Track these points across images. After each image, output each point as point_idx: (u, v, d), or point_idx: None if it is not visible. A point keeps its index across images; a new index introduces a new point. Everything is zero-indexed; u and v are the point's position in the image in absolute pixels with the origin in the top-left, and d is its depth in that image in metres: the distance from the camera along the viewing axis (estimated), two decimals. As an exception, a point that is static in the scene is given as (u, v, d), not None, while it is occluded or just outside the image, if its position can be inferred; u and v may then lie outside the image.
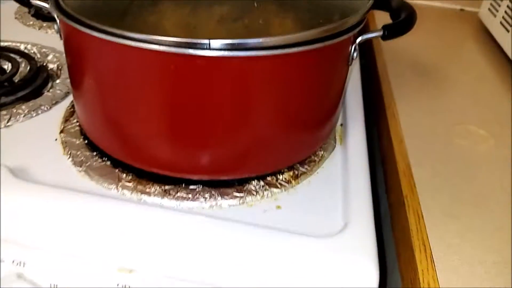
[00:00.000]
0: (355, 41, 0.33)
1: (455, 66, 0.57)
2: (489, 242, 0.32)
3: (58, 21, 0.34)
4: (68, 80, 0.48)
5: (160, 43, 0.27)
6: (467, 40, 0.64)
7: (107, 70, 0.31)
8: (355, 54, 0.34)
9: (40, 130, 0.40)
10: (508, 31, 0.56)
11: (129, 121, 0.33)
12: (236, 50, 0.27)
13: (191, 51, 0.27)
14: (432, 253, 0.30)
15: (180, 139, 0.32)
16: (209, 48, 0.27)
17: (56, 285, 0.31)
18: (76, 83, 0.36)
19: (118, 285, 0.30)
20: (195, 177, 0.34)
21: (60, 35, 0.35)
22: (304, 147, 0.37)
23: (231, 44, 0.27)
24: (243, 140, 0.32)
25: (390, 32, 0.33)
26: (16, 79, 0.47)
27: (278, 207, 0.34)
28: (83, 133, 0.39)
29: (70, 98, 0.46)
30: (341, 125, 0.44)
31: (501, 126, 0.45)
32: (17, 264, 0.31)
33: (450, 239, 0.32)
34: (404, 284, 0.32)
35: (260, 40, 0.27)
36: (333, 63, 0.33)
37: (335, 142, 0.42)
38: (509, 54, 0.56)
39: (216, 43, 0.27)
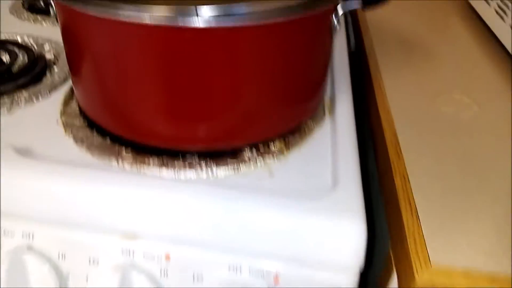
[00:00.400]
0: (336, 11, 0.35)
1: (440, 39, 0.58)
2: (472, 200, 0.34)
3: (53, 4, 0.36)
4: (66, 68, 0.50)
5: (149, 11, 0.29)
6: (451, 15, 0.66)
7: (102, 48, 0.33)
8: (337, 25, 0.36)
9: (41, 114, 0.42)
10: (489, 4, 0.58)
11: (125, 97, 0.34)
12: (222, 16, 0.29)
13: (180, 19, 0.28)
14: (418, 211, 0.32)
15: (174, 111, 0.34)
16: (197, 15, 0.28)
17: (64, 254, 0.33)
18: (73, 64, 0.38)
19: (122, 250, 0.32)
20: (190, 148, 0.36)
21: (57, 19, 0.37)
22: (294, 116, 0.38)
23: (217, 9, 0.28)
24: (234, 110, 0.34)
25: (368, 2, 0.35)
26: (15, 68, 0.49)
27: (271, 174, 0.36)
28: (82, 114, 0.41)
29: (69, 83, 0.47)
30: (330, 98, 0.46)
31: (484, 94, 0.47)
32: (26, 236, 0.33)
33: (434, 198, 0.33)
34: (393, 239, 0.34)
35: (244, 5, 0.29)
36: (316, 33, 0.34)
37: (324, 114, 0.43)
38: (491, 26, 0.57)
39: (203, 9, 0.28)
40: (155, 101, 0.33)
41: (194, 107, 0.33)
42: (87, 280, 0.33)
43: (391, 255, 0.34)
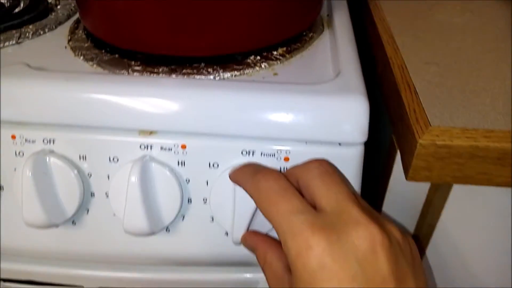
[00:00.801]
0: None
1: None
2: (466, 78, 0.35)
3: None
4: (68, 7, 0.51)
5: None
6: None
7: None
8: None
9: (49, 43, 0.43)
10: None
11: (132, 10, 0.36)
12: None
13: None
14: (416, 89, 0.34)
15: (179, 17, 0.35)
16: None
17: (85, 156, 0.35)
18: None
19: (141, 146, 0.34)
20: (197, 55, 0.38)
21: None
22: (294, 23, 0.40)
23: None
24: (237, 15, 0.36)
25: None
26: (16, 11, 0.50)
27: (275, 74, 0.37)
28: (90, 38, 0.43)
29: (73, 19, 0.49)
30: (328, 15, 0.47)
31: (478, 2, 0.49)
32: (47, 142, 0.35)
33: (431, 78, 0.35)
34: (393, 120, 0.36)
35: None
36: None
37: (323, 28, 0.45)
38: None
39: None
40: (160, 10, 0.35)
41: (199, 13, 0.35)
42: (108, 178, 0.35)
43: (394, 138, 0.36)
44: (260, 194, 0.27)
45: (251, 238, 0.31)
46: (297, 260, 0.23)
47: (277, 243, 0.30)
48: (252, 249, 0.31)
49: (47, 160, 0.35)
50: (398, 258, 0.23)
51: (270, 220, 0.26)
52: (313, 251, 0.23)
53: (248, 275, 0.38)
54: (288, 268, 0.27)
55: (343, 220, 0.24)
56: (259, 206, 0.28)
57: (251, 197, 0.29)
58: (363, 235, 0.23)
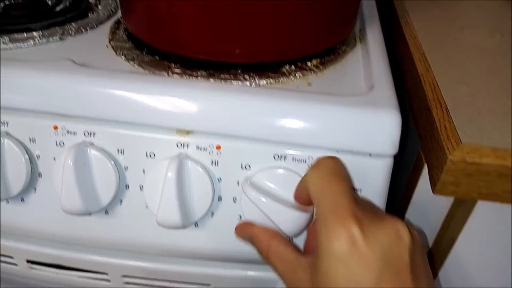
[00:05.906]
0: None
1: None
2: (496, 100, 0.36)
3: None
4: (108, 7, 0.53)
5: None
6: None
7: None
8: None
9: (91, 41, 0.45)
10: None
11: (174, 14, 0.38)
12: None
13: None
14: (447, 107, 0.35)
15: (219, 27, 0.37)
16: None
17: (123, 150, 0.36)
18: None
19: (177, 145, 0.35)
20: (235, 61, 0.39)
21: None
22: (329, 36, 0.41)
23: None
24: (274, 26, 0.37)
25: None
26: (60, 8, 0.52)
27: (309, 84, 0.39)
28: (131, 39, 0.44)
29: (113, 19, 0.51)
30: (360, 30, 0.48)
31: (507, 25, 0.49)
32: (88, 134, 0.37)
33: (461, 98, 0.36)
34: (423, 136, 0.37)
35: None
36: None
37: (356, 42, 0.46)
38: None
39: None
40: (201, 16, 0.36)
41: (238, 22, 0.36)
42: (144, 172, 0.36)
43: (421, 152, 0.37)
44: (316, 167, 0.30)
45: (248, 228, 0.33)
46: (332, 235, 0.25)
47: (277, 232, 0.32)
48: (249, 238, 0.33)
49: (88, 151, 0.36)
50: (416, 253, 0.26)
51: (314, 194, 0.28)
52: (349, 230, 0.25)
53: (268, 274, 0.39)
54: (299, 252, 0.29)
55: (376, 213, 0.27)
56: (308, 177, 0.29)
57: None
58: (393, 228, 0.26)
